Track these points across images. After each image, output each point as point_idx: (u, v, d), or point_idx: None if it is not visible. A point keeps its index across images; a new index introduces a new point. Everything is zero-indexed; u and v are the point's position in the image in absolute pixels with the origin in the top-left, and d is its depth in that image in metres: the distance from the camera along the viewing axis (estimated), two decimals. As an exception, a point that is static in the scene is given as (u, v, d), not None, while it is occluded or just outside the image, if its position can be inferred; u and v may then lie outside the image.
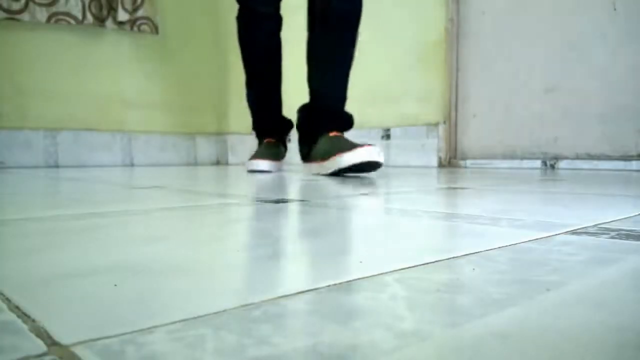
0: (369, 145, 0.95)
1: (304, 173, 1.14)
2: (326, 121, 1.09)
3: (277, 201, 0.51)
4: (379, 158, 0.94)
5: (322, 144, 1.05)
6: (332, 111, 1.10)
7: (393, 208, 0.46)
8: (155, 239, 0.30)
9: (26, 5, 1.68)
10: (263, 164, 1.26)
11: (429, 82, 1.60)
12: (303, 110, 1.17)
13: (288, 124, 1.37)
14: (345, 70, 1.11)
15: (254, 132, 1.40)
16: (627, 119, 1.25)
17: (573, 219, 0.37)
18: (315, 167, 1.08)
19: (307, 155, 1.16)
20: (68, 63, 1.81)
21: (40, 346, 0.13)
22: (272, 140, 1.34)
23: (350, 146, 0.96)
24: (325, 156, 1.01)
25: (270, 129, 1.36)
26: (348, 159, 0.94)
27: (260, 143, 1.37)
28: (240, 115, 2.19)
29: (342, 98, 1.12)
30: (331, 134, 1.06)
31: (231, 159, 2.18)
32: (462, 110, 1.57)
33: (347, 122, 1.11)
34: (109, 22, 1.84)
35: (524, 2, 1.42)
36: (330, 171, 0.99)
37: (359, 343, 0.13)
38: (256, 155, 1.28)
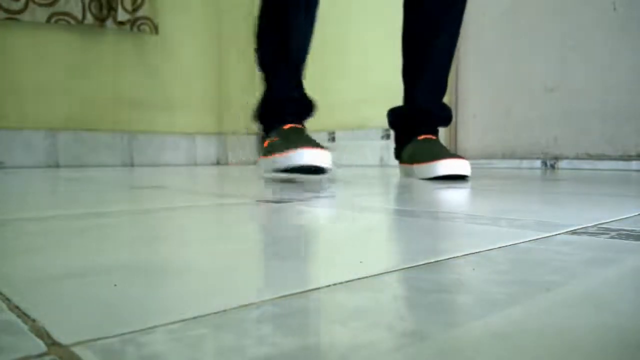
0: (457, 157, 0.87)
1: (400, 173, 1.06)
2: (414, 123, 1.01)
3: (277, 201, 0.51)
4: (465, 172, 0.86)
5: (409, 147, 1.00)
6: (421, 113, 1.01)
7: (393, 208, 0.46)
8: (155, 239, 0.30)
9: (26, 5, 1.68)
10: (316, 155, 0.78)
11: (429, 82, 1.60)
12: (395, 111, 1.07)
13: (310, 104, 1.00)
14: (442, 62, 1.00)
15: (258, 119, 0.98)
16: (627, 119, 1.25)
17: (573, 219, 0.37)
18: (403, 168, 1.03)
19: (398, 154, 1.05)
20: (68, 63, 1.81)
21: (40, 346, 0.13)
22: (299, 126, 0.93)
23: (435, 156, 0.89)
24: (411, 161, 0.97)
25: (295, 106, 0.96)
26: (431, 170, 0.88)
27: (276, 130, 0.91)
28: (240, 115, 2.19)
29: (434, 96, 1.01)
30: (420, 137, 0.99)
31: (231, 159, 2.18)
32: (462, 110, 1.57)
33: (438, 121, 1.03)
34: (109, 22, 1.84)
35: (524, 2, 1.42)
36: (417, 177, 0.94)
37: (359, 343, 0.13)
38: (290, 143, 0.80)
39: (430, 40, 0.98)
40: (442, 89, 1.02)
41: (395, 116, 1.08)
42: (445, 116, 1.04)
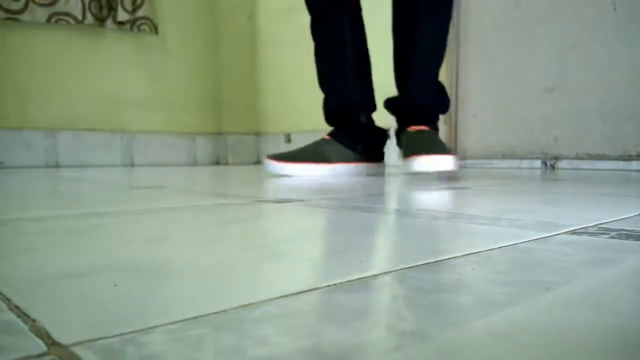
0: (438, 154, 0.87)
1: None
2: (405, 113, 1.00)
3: (277, 201, 0.51)
4: (443, 167, 0.86)
5: (402, 140, 1.00)
6: (411, 102, 0.99)
7: (393, 208, 0.46)
8: (155, 239, 0.30)
9: (26, 5, 1.68)
10: (288, 167, 1.02)
11: (429, 82, 1.60)
12: (392, 100, 1.07)
13: (366, 128, 1.10)
14: (431, 48, 0.98)
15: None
16: (627, 119, 1.25)
17: (573, 219, 0.37)
18: (401, 162, 1.03)
19: (399, 145, 1.06)
20: (68, 63, 1.81)
21: (40, 346, 0.13)
22: (328, 137, 1.09)
23: (424, 150, 0.88)
24: (403, 155, 0.97)
25: (341, 116, 1.09)
26: (418, 165, 0.88)
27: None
28: (240, 115, 2.19)
29: (423, 85, 0.98)
30: (410, 129, 0.97)
31: (231, 159, 2.18)
32: (462, 110, 1.57)
33: (430, 111, 1.00)
34: (109, 22, 1.84)
35: (524, 2, 1.42)
36: (408, 171, 0.94)
37: (359, 343, 0.13)
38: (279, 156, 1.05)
39: (418, 25, 0.96)
40: (432, 76, 1.00)
41: (393, 105, 1.06)
42: (436, 106, 1.01)
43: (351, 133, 1.08)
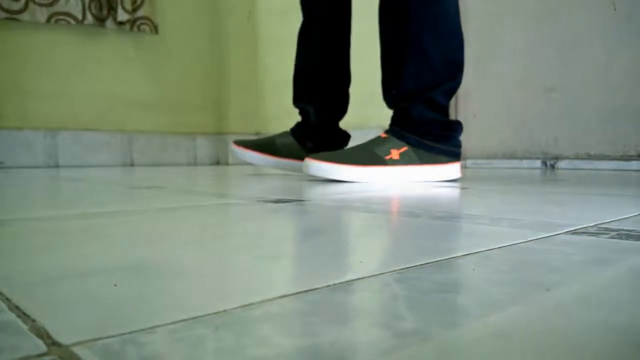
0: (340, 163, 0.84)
1: None
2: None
3: (277, 201, 0.51)
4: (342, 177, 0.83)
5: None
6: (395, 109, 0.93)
7: (393, 208, 0.46)
8: (155, 239, 0.30)
9: (26, 5, 1.68)
10: (240, 152, 1.11)
11: (429, 82, 1.60)
12: None
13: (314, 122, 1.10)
14: (404, 51, 0.90)
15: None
16: (627, 119, 1.25)
17: (573, 219, 0.37)
18: None
19: None
20: (68, 63, 1.81)
21: (40, 346, 0.13)
22: (286, 130, 1.13)
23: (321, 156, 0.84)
24: None
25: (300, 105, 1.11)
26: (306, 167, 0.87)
27: None
28: (240, 115, 2.19)
29: (394, 89, 0.91)
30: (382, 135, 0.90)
31: (231, 159, 2.17)
32: (462, 110, 1.57)
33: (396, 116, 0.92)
34: (109, 22, 1.84)
35: (524, 2, 1.42)
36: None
37: (359, 343, 0.13)
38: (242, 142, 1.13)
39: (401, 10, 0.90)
40: (395, 74, 0.92)
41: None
42: (392, 96, 0.93)
43: (303, 130, 1.11)
